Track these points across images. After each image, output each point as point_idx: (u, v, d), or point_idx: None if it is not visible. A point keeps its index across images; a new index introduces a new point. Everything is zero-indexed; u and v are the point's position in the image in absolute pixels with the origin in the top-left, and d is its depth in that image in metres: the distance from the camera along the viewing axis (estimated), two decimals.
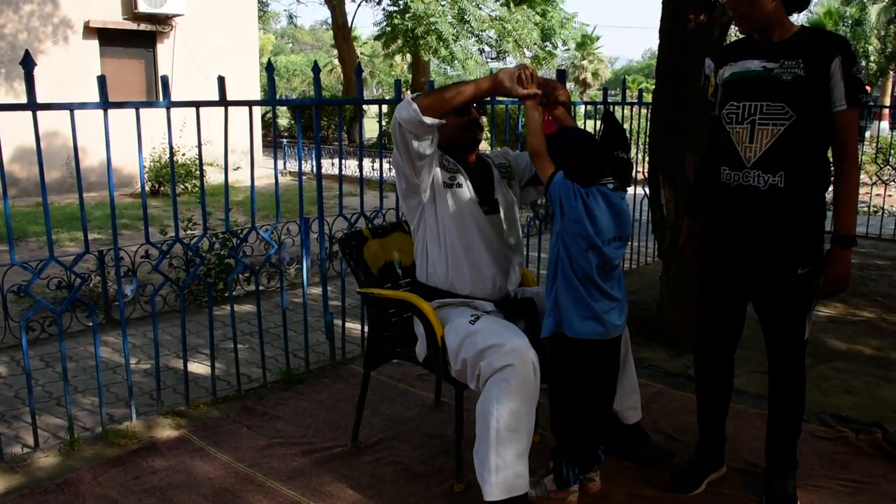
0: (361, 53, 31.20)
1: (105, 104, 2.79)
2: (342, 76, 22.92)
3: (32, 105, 2.63)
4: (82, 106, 2.79)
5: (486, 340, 2.28)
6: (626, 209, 2.29)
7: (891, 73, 26.38)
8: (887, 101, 23.98)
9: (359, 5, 23.22)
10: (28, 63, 2.58)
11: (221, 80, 3.13)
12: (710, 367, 2.64)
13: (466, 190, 2.55)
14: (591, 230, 2.20)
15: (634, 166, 5.34)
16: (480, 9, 20.27)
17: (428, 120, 2.29)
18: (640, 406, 2.75)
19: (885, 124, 19.64)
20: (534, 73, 2.37)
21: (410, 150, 2.37)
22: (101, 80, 2.82)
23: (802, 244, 2.31)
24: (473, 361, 2.30)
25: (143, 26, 12.58)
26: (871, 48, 25.49)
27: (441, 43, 19.16)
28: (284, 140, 16.06)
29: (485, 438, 2.22)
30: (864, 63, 25.04)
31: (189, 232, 5.60)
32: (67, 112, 2.76)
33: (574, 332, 2.26)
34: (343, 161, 3.98)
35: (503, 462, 2.19)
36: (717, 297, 2.55)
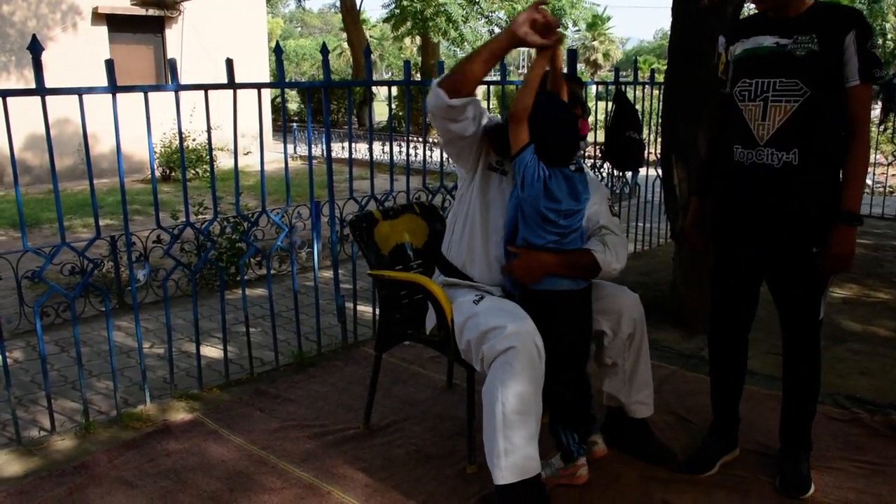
0: (371, 36, 31.05)
1: (113, 88, 2.79)
2: (351, 59, 22.85)
3: (41, 90, 2.62)
4: (90, 90, 2.78)
5: (488, 322, 2.25)
6: (582, 189, 2.35)
7: None
8: None
9: None
10: (36, 47, 2.57)
11: (230, 63, 3.12)
12: (723, 349, 2.62)
13: (509, 180, 2.45)
14: (548, 209, 2.28)
15: (646, 147, 5.30)
16: None
17: (455, 102, 2.21)
18: (652, 401, 2.67)
19: None
20: (549, 18, 2.16)
21: (451, 133, 2.32)
22: (109, 64, 2.81)
23: (817, 222, 2.27)
24: (477, 343, 2.28)
25: (151, 11, 12.57)
26: (888, 25, 25.11)
27: (450, 24, 19.04)
28: (294, 124, 16.04)
29: (491, 423, 2.19)
30: (880, 41, 24.66)
31: (200, 216, 5.62)
32: (78, 99, 2.76)
33: (540, 286, 2.34)
34: (353, 144, 3.96)
35: (512, 445, 2.16)
36: (728, 279, 2.52)
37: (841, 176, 2.28)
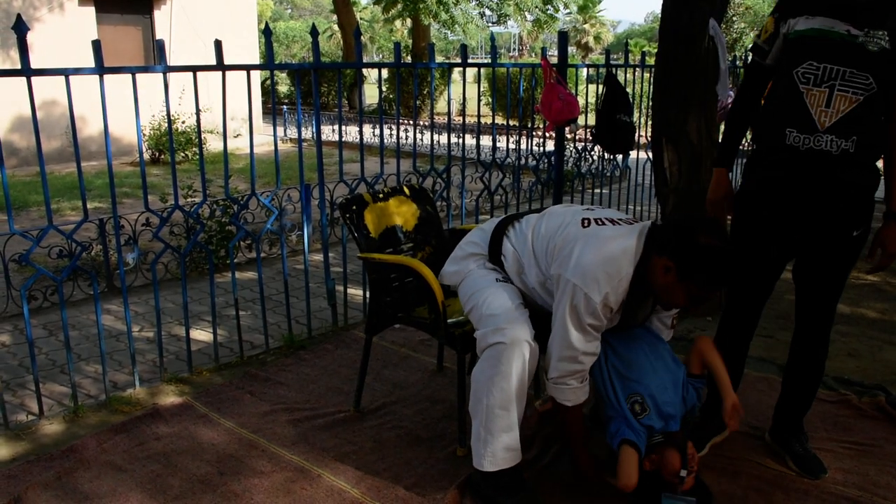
0: (361, 19, 30.79)
1: (100, 69, 2.75)
2: (342, 42, 22.68)
3: (27, 70, 2.58)
4: (77, 71, 2.74)
5: (490, 308, 2.27)
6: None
7: None
8: None
9: None
10: (21, 28, 2.53)
11: (218, 44, 3.08)
12: (740, 336, 2.62)
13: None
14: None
15: (637, 130, 5.27)
16: None
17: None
18: None
19: None
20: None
21: None
22: (96, 45, 2.77)
23: (860, 207, 2.33)
24: (474, 318, 2.33)
25: None
26: None
27: (441, 6, 18.92)
28: (284, 107, 15.94)
29: (478, 410, 2.25)
30: None
31: (189, 199, 5.58)
32: (65, 80, 2.71)
33: None
34: (343, 127, 3.94)
35: (492, 437, 2.22)
36: (760, 264, 2.49)
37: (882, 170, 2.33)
